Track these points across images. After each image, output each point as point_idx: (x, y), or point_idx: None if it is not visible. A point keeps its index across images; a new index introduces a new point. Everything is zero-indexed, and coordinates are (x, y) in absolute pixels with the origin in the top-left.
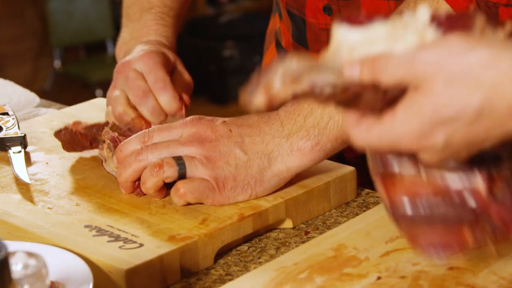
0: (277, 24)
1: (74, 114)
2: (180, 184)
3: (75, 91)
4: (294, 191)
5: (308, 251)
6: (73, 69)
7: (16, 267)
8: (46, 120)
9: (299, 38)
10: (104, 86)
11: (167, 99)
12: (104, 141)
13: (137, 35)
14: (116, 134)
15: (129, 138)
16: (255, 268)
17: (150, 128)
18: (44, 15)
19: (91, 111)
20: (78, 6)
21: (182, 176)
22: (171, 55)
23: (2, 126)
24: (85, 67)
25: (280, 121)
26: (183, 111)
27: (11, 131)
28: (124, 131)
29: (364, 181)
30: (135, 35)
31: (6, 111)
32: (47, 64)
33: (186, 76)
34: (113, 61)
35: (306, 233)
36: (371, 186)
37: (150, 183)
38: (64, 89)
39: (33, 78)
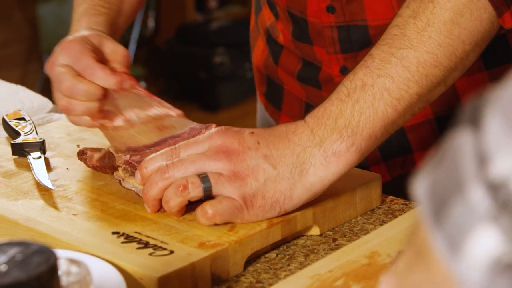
0: (267, 21)
1: None
2: (207, 206)
3: None
4: (321, 198)
5: (341, 258)
6: None
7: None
8: (62, 125)
9: (301, 35)
10: None
11: (101, 80)
12: (119, 166)
13: (71, 32)
14: (128, 156)
15: (154, 155)
16: (285, 275)
17: (176, 144)
18: (33, 20)
19: None
20: (68, 11)
21: (207, 195)
22: (93, 38)
23: (20, 131)
24: None
25: (310, 129)
26: (130, 83)
27: (30, 137)
28: (134, 150)
29: (377, 160)
30: (70, 33)
31: (22, 116)
32: (36, 69)
33: (120, 49)
34: None
35: (334, 240)
36: (384, 164)
37: (174, 203)
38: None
39: (22, 83)
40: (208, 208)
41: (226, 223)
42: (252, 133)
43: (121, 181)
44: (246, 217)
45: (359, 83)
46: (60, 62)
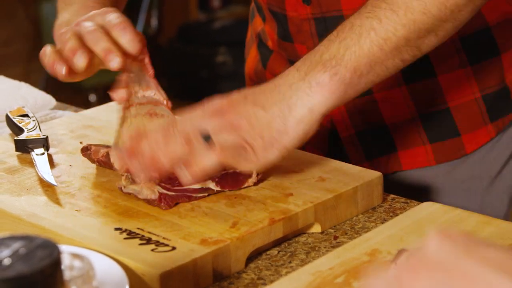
0: (258, 27)
1: (93, 117)
2: (215, 146)
3: (67, 96)
4: (323, 195)
5: (342, 255)
6: None
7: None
8: (65, 122)
9: (283, 34)
10: (98, 91)
11: (128, 39)
12: (122, 175)
13: (78, 13)
14: None
15: (153, 130)
16: (287, 272)
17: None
18: (36, 18)
19: (108, 114)
20: None
21: None
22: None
23: (23, 128)
24: None
25: (296, 68)
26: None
27: (33, 133)
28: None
29: (360, 159)
30: (76, 14)
31: (26, 113)
32: (39, 67)
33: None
34: None
35: (335, 237)
36: (368, 164)
37: (178, 150)
38: (56, 93)
39: (25, 81)
40: (216, 146)
41: (228, 220)
42: (239, 91)
43: (122, 188)
44: (252, 159)
45: (348, 25)
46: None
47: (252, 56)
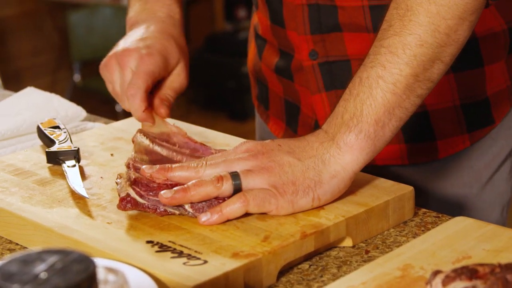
0: (254, 19)
1: (124, 129)
2: (243, 192)
3: (94, 106)
4: (354, 209)
5: (375, 270)
6: (93, 83)
7: None
8: (95, 134)
9: (276, 18)
10: None
11: (133, 108)
12: (126, 178)
13: (150, 6)
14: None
15: (181, 164)
16: (318, 286)
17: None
18: (63, 28)
19: (139, 126)
20: (99, 20)
21: (237, 189)
22: (175, 51)
23: (55, 139)
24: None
25: (324, 130)
26: (164, 112)
27: (64, 145)
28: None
29: None
30: (147, 7)
31: (57, 125)
32: (65, 78)
33: (182, 76)
34: None
35: (367, 252)
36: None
37: (204, 190)
38: (82, 103)
39: (52, 91)
40: (244, 192)
41: (259, 233)
42: (272, 140)
43: (119, 194)
44: (281, 203)
45: (357, 80)
46: (130, 65)
47: (251, 49)
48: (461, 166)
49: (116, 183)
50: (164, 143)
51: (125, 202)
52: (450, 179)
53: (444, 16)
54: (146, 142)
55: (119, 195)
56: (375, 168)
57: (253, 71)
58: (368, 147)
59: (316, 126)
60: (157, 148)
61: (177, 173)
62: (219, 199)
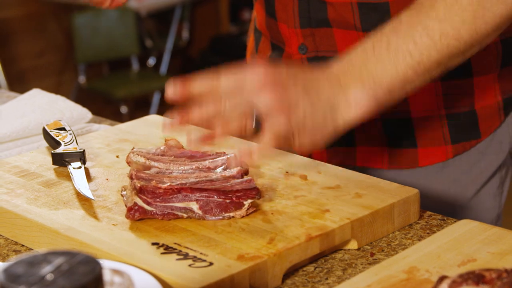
0: (254, 12)
1: (129, 131)
2: (265, 130)
3: (99, 107)
4: (359, 212)
5: (380, 273)
6: (97, 85)
7: None
8: (101, 136)
9: (270, 10)
10: (129, 103)
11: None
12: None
13: None
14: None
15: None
16: None
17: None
18: (67, 30)
19: (144, 128)
20: (103, 22)
21: (257, 126)
22: None
23: (60, 141)
24: (110, 83)
25: (336, 75)
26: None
27: (70, 147)
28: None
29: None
30: None
31: (63, 126)
32: (70, 79)
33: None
34: (137, 78)
35: (372, 254)
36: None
37: (233, 125)
38: (87, 104)
39: (56, 93)
40: (267, 130)
41: (265, 236)
42: (286, 69)
43: (122, 191)
44: (303, 138)
45: (385, 41)
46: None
47: (250, 42)
48: (446, 178)
49: (122, 195)
50: (160, 157)
51: (133, 212)
52: (435, 190)
53: (487, 21)
54: (142, 160)
55: (126, 206)
56: (355, 170)
57: (250, 61)
58: (372, 109)
59: None
60: (154, 163)
61: (196, 111)
62: (232, 199)
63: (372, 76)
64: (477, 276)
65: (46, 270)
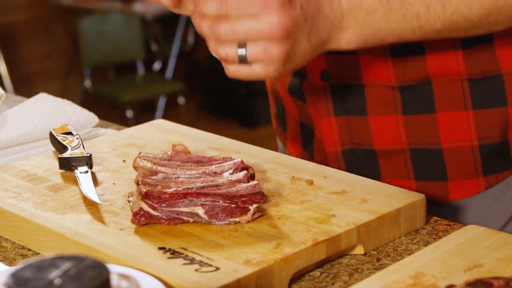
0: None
1: (136, 136)
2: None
3: (104, 111)
4: (366, 217)
5: (386, 278)
6: (103, 89)
7: None
8: (108, 140)
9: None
10: (134, 107)
11: None
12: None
13: None
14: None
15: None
16: None
17: None
18: (73, 34)
19: (150, 133)
20: (109, 26)
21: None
22: None
23: (67, 145)
24: (116, 87)
25: (343, 10)
26: None
27: (77, 151)
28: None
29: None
30: None
31: (69, 131)
32: (75, 83)
33: None
34: (143, 82)
35: (378, 259)
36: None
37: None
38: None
39: (62, 96)
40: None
41: (271, 240)
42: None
43: (129, 197)
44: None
45: None
46: None
47: None
48: (471, 213)
49: (128, 201)
50: (166, 162)
51: (138, 217)
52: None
53: (501, 12)
54: (148, 164)
55: (132, 211)
56: None
57: (270, 89)
58: (357, 48)
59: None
60: (160, 168)
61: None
62: (238, 204)
63: (373, 27)
64: (485, 284)
65: (54, 275)
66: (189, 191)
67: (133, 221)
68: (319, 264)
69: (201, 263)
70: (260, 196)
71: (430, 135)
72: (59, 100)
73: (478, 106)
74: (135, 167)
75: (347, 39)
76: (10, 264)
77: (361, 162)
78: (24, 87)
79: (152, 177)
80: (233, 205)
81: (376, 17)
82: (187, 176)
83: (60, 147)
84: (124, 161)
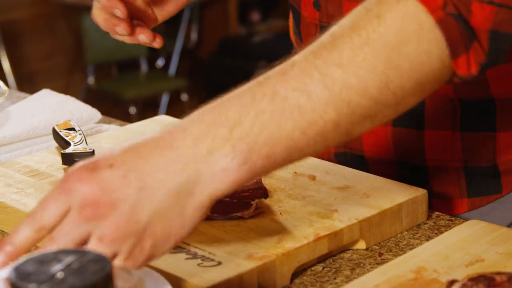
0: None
1: (138, 131)
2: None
3: (107, 108)
4: (367, 212)
5: (388, 272)
6: (106, 86)
7: None
8: (110, 136)
9: (296, 31)
10: (137, 103)
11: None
12: None
13: None
14: None
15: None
16: None
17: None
18: (76, 31)
19: (154, 128)
20: None
21: None
22: None
23: (70, 141)
24: (119, 84)
25: (194, 137)
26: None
27: (80, 147)
28: None
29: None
30: None
31: (72, 127)
32: (79, 80)
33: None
34: (146, 79)
35: (380, 254)
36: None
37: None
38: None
39: (66, 94)
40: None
41: (273, 235)
42: (112, 165)
43: None
44: (139, 256)
45: (270, 90)
46: None
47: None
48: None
49: None
50: None
51: None
52: None
53: (403, 74)
54: None
55: None
56: None
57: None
58: (244, 181)
59: None
60: None
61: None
62: (239, 199)
63: (247, 136)
64: (487, 279)
65: (57, 269)
66: None
67: None
68: (321, 259)
69: (203, 258)
70: (261, 191)
71: (416, 151)
72: (62, 96)
73: (466, 128)
74: None
75: (219, 167)
76: None
77: (352, 166)
78: (28, 84)
79: None
80: (235, 200)
81: (244, 125)
82: None
83: (63, 143)
84: None
